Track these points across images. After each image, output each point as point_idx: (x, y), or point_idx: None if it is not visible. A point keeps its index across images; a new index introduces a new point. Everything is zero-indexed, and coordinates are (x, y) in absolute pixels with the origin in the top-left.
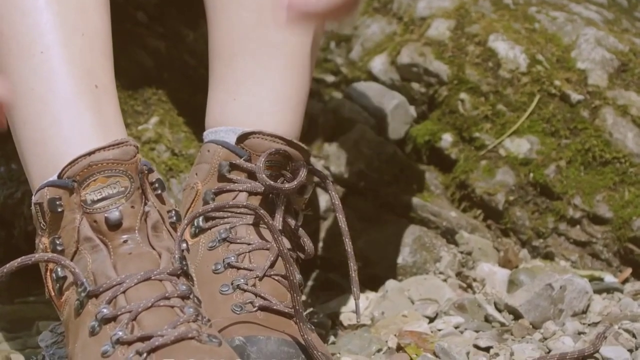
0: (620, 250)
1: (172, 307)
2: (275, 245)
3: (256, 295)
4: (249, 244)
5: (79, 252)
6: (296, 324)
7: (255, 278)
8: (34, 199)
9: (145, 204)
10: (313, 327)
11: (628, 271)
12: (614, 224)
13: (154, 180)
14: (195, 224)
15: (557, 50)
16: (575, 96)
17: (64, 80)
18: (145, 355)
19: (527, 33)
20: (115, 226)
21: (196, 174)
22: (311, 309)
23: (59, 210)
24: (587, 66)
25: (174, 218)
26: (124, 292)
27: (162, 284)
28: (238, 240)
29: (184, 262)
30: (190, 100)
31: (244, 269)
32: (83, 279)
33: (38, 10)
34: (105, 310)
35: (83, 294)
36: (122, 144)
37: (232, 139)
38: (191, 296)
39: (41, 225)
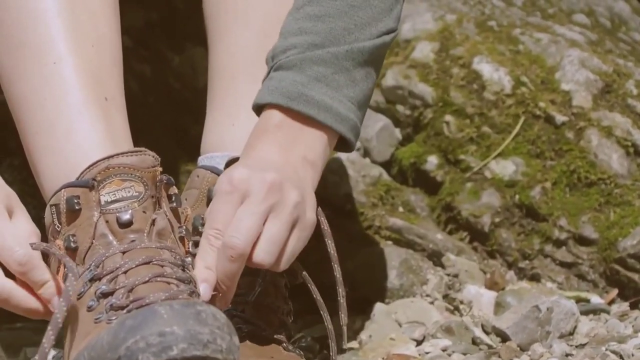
0: (606, 271)
1: (169, 283)
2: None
3: (245, 321)
4: None
5: (93, 247)
6: (285, 350)
7: (244, 304)
8: (50, 201)
9: (157, 211)
10: (301, 352)
11: (614, 292)
12: (599, 245)
13: (171, 194)
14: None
15: (542, 72)
16: (559, 117)
17: (77, 90)
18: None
19: (512, 55)
20: (125, 225)
21: (185, 199)
22: (299, 334)
23: (77, 207)
24: (572, 87)
25: (183, 233)
26: (125, 272)
27: (163, 268)
28: None
29: (186, 262)
30: (175, 124)
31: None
32: (87, 267)
33: (50, 17)
34: (104, 287)
35: (87, 277)
36: (140, 152)
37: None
38: (190, 284)
39: (56, 227)
